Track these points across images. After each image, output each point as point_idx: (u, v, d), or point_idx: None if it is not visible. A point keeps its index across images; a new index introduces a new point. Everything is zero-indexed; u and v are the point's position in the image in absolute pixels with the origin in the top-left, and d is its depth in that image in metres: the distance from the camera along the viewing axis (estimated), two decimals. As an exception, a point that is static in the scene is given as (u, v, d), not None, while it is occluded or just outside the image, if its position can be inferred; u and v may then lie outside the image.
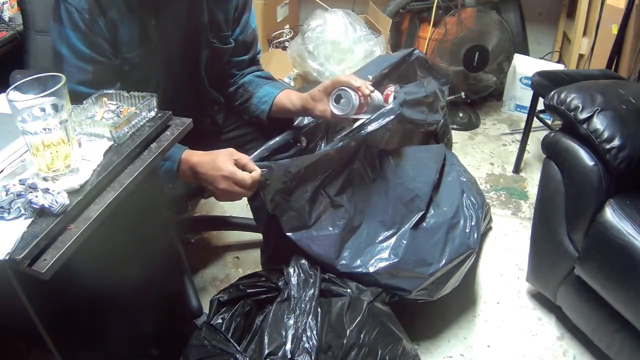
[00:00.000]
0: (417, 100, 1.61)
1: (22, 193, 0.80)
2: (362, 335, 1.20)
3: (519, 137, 2.39)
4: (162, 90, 1.28)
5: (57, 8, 1.12)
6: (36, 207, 0.78)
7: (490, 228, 1.97)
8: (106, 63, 1.17)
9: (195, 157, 1.21)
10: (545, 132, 1.55)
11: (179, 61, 1.33)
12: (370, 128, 1.37)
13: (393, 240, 1.41)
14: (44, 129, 0.81)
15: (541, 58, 2.80)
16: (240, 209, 1.95)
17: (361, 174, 1.46)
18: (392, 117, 1.39)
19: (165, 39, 1.25)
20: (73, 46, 1.12)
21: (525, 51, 2.80)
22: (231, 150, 1.21)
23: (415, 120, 1.61)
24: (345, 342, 1.18)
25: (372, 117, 1.37)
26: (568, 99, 1.36)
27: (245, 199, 1.52)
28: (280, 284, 1.31)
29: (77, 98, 1.00)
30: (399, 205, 1.47)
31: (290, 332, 1.17)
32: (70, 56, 1.13)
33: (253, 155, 1.32)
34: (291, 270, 1.30)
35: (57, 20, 1.13)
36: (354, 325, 1.21)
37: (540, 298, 1.64)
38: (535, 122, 2.24)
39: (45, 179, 0.85)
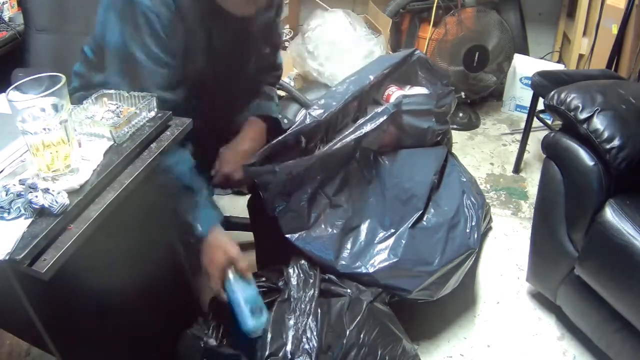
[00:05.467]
0: (426, 110, 1.62)
1: (22, 193, 0.80)
2: (361, 336, 1.20)
3: (519, 137, 2.39)
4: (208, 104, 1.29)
5: (129, 10, 1.09)
6: (36, 207, 0.78)
7: (490, 228, 1.97)
8: (176, 67, 1.16)
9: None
10: (545, 132, 1.55)
11: (227, 68, 1.32)
12: (366, 129, 1.39)
13: (392, 240, 1.42)
14: (44, 129, 0.81)
15: (541, 58, 2.80)
16: (240, 209, 1.94)
17: (358, 174, 1.46)
18: (385, 117, 1.41)
19: (220, 51, 1.25)
20: (150, 52, 1.11)
21: (525, 51, 2.80)
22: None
23: (422, 129, 1.62)
24: (345, 342, 1.18)
25: (367, 118, 1.38)
26: (568, 99, 1.36)
27: (245, 201, 1.53)
28: (280, 284, 1.31)
29: (162, 104, 1.04)
30: (396, 204, 1.47)
31: (291, 333, 1.17)
32: (147, 61, 1.12)
33: (255, 155, 1.31)
34: (291, 270, 1.30)
35: (129, 24, 1.10)
36: (353, 325, 1.21)
37: (540, 298, 1.64)
38: (535, 122, 2.24)
39: (45, 179, 0.85)
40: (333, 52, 2.45)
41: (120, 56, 1.13)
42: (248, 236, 1.88)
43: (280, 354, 1.14)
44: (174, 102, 1.13)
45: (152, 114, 1.01)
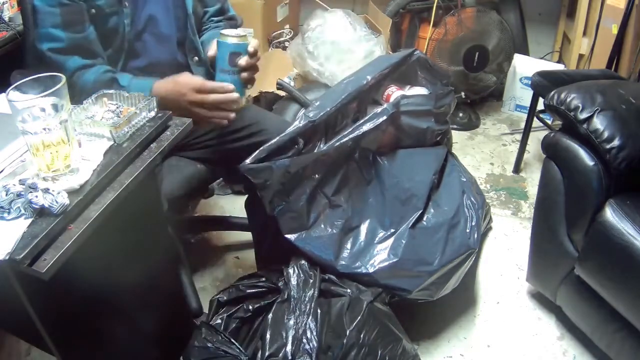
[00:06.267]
0: (425, 111, 1.62)
1: (22, 193, 0.80)
2: (361, 336, 1.20)
3: (519, 137, 2.39)
4: (129, 41, 1.30)
5: None
6: (36, 207, 0.78)
7: (490, 228, 1.97)
8: (72, 5, 1.20)
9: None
10: (545, 132, 1.55)
11: (161, 5, 1.33)
12: (365, 128, 1.39)
13: (392, 240, 1.42)
14: (44, 129, 0.81)
15: (541, 58, 2.80)
16: (240, 209, 1.94)
17: (357, 174, 1.46)
18: (384, 117, 1.41)
19: None
20: None
21: (525, 51, 2.80)
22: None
23: (421, 129, 1.62)
24: (345, 342, 1.18)
25: (365, 118, 1.39)
26: (568, 99, 1.36)
27: (242, 202, 1.52)
28: (280, 284, 1.31)
29: (50, 40, 1.17)
30: (396, 204, 1.47)
31: (291, 334, 1.17)
32: (42, 4, 1.19)
33: (251, 158, 1.31)
34: (291, 270, 1.30)
35: None
36: (353, 325, 1.21)
37: (540, 298, 1.64)
38: (535, 122, 2.24)
39: (45, 179, 0.85)
40: (333, 52, 2.45)
41: (30, 11, 1.22)
42: (249, 236, 1.89)
43: (280, 354, 1.14)
44: (72, 40, 1.20)
45: (152, 114, 1.01)
